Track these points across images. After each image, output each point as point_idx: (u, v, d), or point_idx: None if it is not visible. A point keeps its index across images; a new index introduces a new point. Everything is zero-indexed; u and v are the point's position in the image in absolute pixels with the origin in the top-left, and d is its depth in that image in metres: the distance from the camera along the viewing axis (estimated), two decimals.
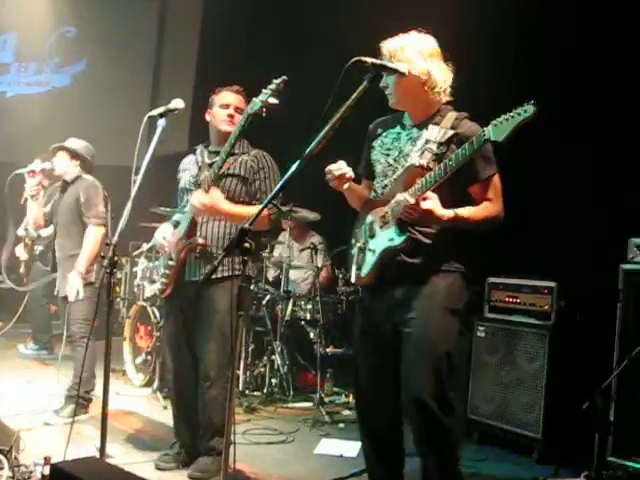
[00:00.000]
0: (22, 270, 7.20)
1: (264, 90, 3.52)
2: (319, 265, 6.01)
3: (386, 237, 2.87)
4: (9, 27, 9.89)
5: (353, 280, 3.06)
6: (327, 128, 2.59)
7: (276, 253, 6.58)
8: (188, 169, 3.99)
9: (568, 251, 4.78)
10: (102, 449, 2.95)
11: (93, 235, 4.80)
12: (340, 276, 5.99)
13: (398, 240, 2.83)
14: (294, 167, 2.58)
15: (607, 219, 4.60)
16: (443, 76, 2.94)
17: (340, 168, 2.97)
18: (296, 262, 6.43)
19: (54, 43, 9.95)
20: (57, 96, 9.85)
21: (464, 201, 2.87)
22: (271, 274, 6.64)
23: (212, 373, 3.74)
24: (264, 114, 3.53)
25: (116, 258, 2.90)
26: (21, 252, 7.08)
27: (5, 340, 7.33)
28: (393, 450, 3.08)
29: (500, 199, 2.91)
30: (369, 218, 3.00)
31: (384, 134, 3.12)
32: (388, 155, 3.04)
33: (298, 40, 7.36)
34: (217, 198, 3.65)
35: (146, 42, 9.67)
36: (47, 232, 5.96)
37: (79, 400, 4.63)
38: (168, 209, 4.55)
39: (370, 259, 2.93)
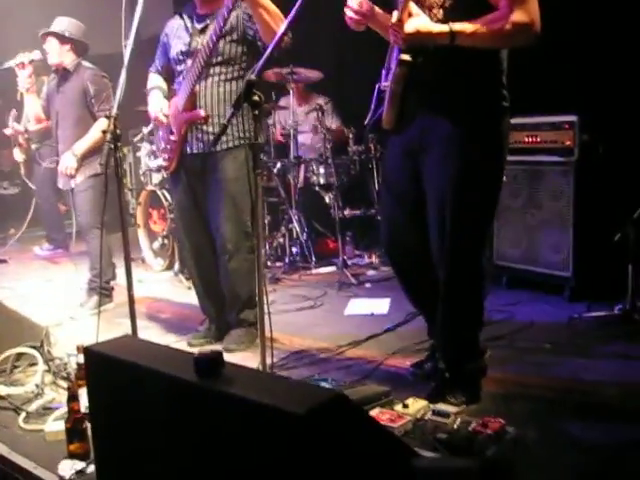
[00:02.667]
0: (23, 172, 7.02)
1: None
2: (328, 126, 5.78)
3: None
4: None
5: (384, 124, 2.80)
6: None
7: (281, 119, 6.35)
8: (177, 36, 3.71)
9: (588, 82, 4.49)
10: (134, 331, 2.90)
11: (103, 127, 4.39)
12: (350, 135, 5.76)
13: (393, 67, 2.57)
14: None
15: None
16: None
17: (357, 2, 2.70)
18: (303, 126, 6.20)
19: None
20: None
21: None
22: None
23: (229, 245, 3.65)
24: None
25: (119, 131, 2.72)
26: (17, 154, 6.86)
27: (20, 245, 7.30)
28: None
29: (526, 4, 2.41)
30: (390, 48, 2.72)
31: None
32: None
33: None
34: None
35: None
36: (36, 127, 5.74)
37: (101, 291, 4.59)
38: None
39: (387, 96, 2.71)
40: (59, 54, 4.71)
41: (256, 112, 2.36)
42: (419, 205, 2.79)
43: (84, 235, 4.82)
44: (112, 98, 4.56)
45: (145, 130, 6.20)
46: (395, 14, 2.45)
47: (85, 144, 4.63)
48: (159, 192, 5.79)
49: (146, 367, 1.78)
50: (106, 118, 2.72)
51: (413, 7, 2.43)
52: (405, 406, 2.59)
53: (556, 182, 4.32)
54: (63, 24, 4.73)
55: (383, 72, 2.80)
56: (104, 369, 1.96)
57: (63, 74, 4.77)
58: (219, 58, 3.56)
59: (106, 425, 2.02)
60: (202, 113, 3.55)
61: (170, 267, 5.74)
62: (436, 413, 2.54)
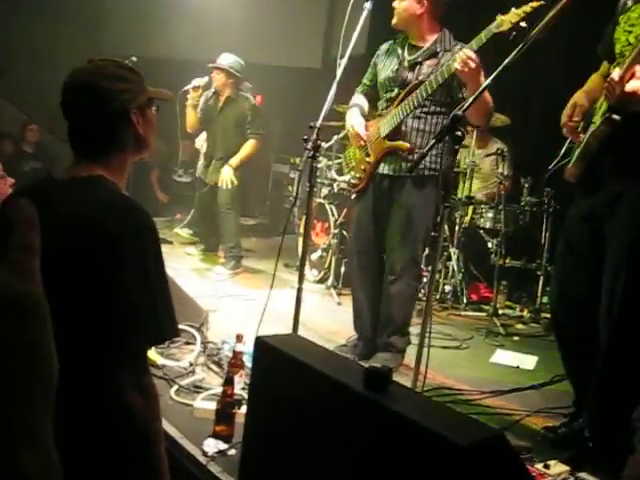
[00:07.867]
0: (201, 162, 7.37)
1: (514, 10, 3.04)
2: (504, 173, 5.73)
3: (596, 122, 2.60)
4: None
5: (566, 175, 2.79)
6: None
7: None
8: (388, 62, 3.77)
9: None
10: (294, 329, 3.03)
11: (251, 147, 5.97)
12: (526, 185, 5.68)
13: (597, 125, 2.54)
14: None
15: None
16: None
17: None
18: (479, 168, 6.16)
19: None
20: None
21: None
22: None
23: (397, 268, 3.71)
24: (512, 37, 2.98)
25: (319, 142, 2.88)
26: (201, 143, 7.24)
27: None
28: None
29: None
30: (599, 103, 2.70)
31: (632, 7, 2.67)
32: (630, 32, 2.60)
33: None
34: None
35: None
36: None
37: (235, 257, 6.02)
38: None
39: (580, 148, 2.70)
40: (224, 85, 5.93)
41: (456, 147, 2.42)
42: (598, 265, 2.75)
43: (222, 213, 6.07)
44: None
45: (324, 145, 6.37)
46: (617, 71, 2.45)
47: (239, 159, 5.94)
48: (327, 206, 5.95)
49: (315, 368, 1.86)
50: (310, 128, 2.88)
51: (638, 69, 2.41)
52: (546, 466, 2.54)
53: None
54: (229, 60, 5.88)
55: (582, 123, 2.79)
56: (272, 361, 2.06)
57: (226, 101, 5.99)
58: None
59: (262, 414, 2.12)
60: (407, 145, 3.62)
61: (323, 280, 5.87)
62: None
